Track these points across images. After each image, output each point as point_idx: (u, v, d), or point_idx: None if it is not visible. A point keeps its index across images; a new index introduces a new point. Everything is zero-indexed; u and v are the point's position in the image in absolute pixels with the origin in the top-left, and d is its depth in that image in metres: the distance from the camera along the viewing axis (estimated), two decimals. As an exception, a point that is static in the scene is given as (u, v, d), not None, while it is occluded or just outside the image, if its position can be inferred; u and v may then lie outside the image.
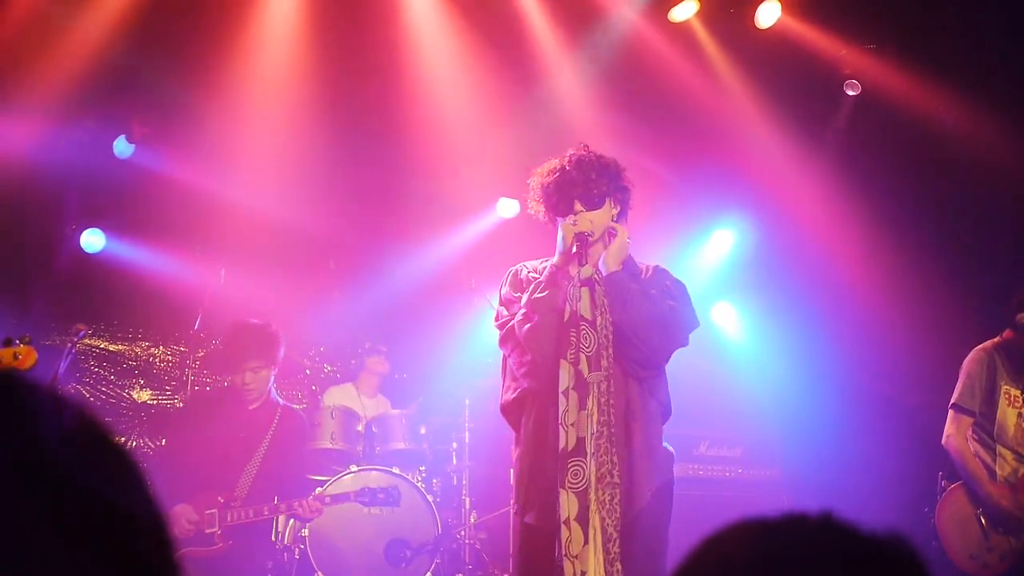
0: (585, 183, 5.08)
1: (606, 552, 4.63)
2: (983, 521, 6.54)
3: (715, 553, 1.32)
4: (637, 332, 4.93)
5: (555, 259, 5.11)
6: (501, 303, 5.25)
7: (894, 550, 1.29)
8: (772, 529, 1.29)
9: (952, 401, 6.84)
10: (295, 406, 8.59)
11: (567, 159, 5.15)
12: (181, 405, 8.46)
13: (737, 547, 1.30)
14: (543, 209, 5.21)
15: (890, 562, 1.28)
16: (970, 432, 6.77)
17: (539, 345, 4.91)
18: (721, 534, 1.33)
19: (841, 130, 9.28)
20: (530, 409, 5.00)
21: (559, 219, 5.13)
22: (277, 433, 7.43)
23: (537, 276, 5.14)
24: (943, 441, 6.81)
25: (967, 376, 6.83)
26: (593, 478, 4.69)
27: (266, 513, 7.17)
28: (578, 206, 5.07)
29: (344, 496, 7.63)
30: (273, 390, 7.62)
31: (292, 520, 8.19)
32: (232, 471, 7.25)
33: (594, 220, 5.10)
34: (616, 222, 5.23)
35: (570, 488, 4.67)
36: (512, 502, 5.13)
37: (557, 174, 5.12)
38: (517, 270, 5.29)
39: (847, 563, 1.26)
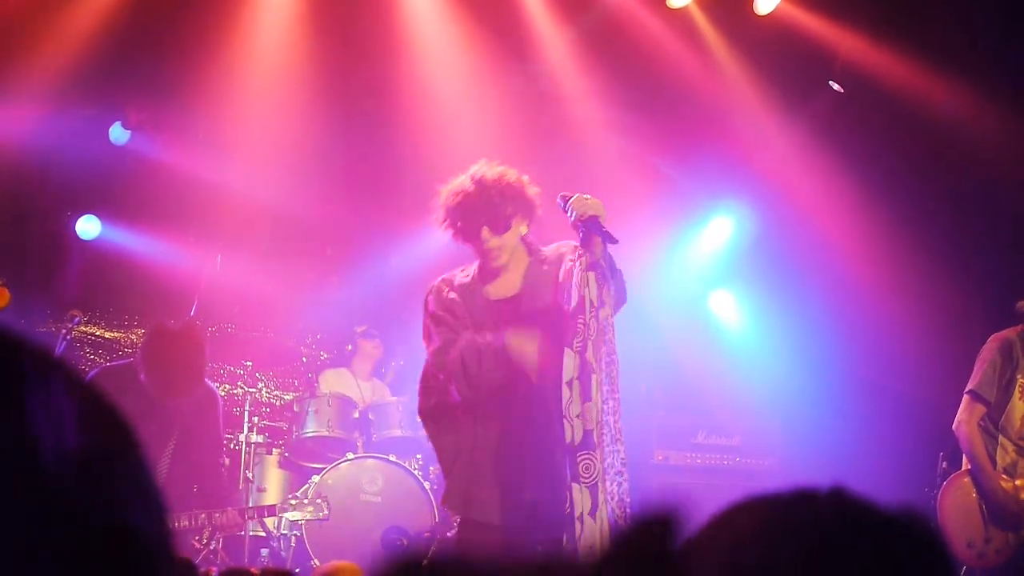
0: (489, 209, 5.05)
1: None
2: (984, 511, 6.50)
3: (727, 528, 1.30)
4: (617, 312, 4.97)
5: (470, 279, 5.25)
6: (429, 318, 5.27)
7: (908, 524, 1.27)
8: (784, 504, 1.28)
9: (970, 387, 6.69)
10: (288, 393, 8.58)
11: (469, 182, 5.09)
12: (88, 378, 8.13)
13: (749, 522, 1.28)
14: (450, 232, 5.20)
15: (904, 536, 1.26)
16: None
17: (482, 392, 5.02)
18: (732, 510, 1.31)
19: (840, 117, 9.23)
20: (465, 412, 5.10)
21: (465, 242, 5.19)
22: (188, 413, 6.99)
23: (456, 298, 5.20)
24: (954, 426, 6.69)
25: (988, 364, 6.67)
26: (601, 470, 4.65)
27: (186, 524, 6.80)
28: (485, 232, 5.06)
29: (269, 509, 7.60)
30: None
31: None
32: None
33: (504, 244, 5.09)
34: (525, 236, 5.21)
35: (583, 483, 4.61)
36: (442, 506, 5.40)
37: (460, 198, 5.08)
38: (439, 288, 5.31)
39: (860, 536, 1.24)
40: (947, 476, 6.76)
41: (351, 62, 9.14)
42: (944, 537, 1.31)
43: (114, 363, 8.22)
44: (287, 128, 9.26)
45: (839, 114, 9.19)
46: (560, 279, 4.97)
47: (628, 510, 4.70)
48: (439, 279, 5.37)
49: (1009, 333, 6.77)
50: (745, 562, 1.25)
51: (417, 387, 5.34)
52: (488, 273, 5.20)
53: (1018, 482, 6.53)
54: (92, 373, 7.36)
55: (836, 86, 9.08)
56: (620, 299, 5.01)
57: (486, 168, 5.13)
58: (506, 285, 5.19)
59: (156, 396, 6.72)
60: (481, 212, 5.04)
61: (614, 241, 4.79)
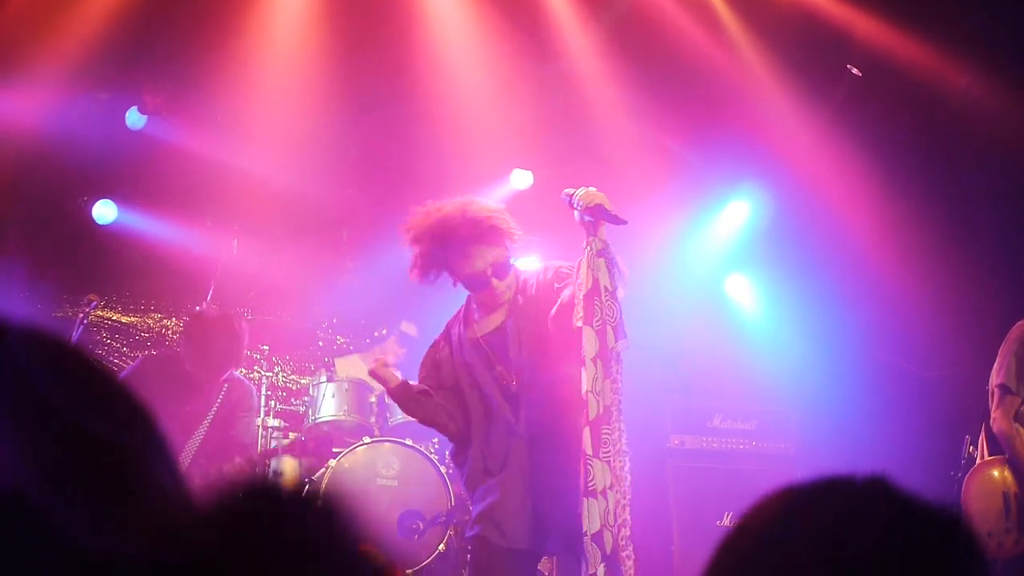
0: (475, 232, 5.19)
1: (616, 518, 4.69)
2: (1009, 500, 6.45)
3: (781, 513, 1.30)
4: None
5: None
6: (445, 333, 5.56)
7: (946, 519, 1.27)
8: (824, 492, 1.28)
9: (999, 382, 6.60)
10: (305, 377, 8.59)
11: (462, 231, 5.20)
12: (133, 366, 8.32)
13: (793, 510, 1.28)
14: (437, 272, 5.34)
15: (941, 531, 1.26)
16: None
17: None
18: (781, 496, 1.31)
19: (859, 101, 9.19)
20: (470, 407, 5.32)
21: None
22: (224, 404, 7.46)
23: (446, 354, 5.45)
24: (992, 423, 6.60)
25: (1012, 355, 6.59)
26: (615, 447, 4.77)
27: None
28: (495, 281, 5.24)
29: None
30: None
31: (306, 490, 8.19)
32: (176, 442, 7.22)
33: (508, 284, 5.28)
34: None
35: (603, 457, 4.72)
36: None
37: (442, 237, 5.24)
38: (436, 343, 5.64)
39: (898, 529, 1.24)
40: (972, 462, 6.70)
41: (369, 47, 9.12)
42: (978, 539, 1.30)
43: (160, 352, 8.76)
44: (304, 112, 9.26)
45: (857, 98, 9.14)
46: (541, 286, 5.21)
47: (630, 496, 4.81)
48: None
49: None
50: (805, 550, 1.25)
51: None
52: (484, 310, 5.40)
53: None
54: (137, 362, 7.77)
55: (855, 70, 9.04)
56: None
57: (468, 212, 5.24)
58: (493, 319, 5.38)
59: (197, 379, 7.31)
60: (469, 237, 5.17)
61: (623, 222, 4.90)
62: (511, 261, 5.31)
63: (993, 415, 6.60)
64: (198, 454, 7.24)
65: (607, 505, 4.65)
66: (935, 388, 8.53)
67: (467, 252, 5.14)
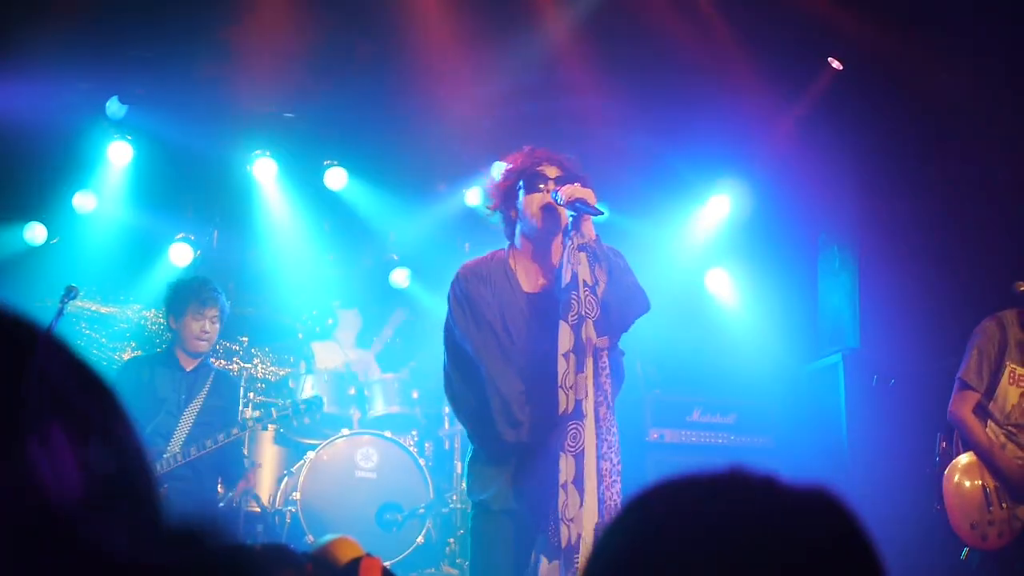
0: (559, 161, 5.21)
1: (600, 519, 4.65)
2: (988, 493, 6.50)
3: (637, 512, 1.31)
4: (622, 302, 5.00)
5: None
6: (454, 311, 5.25)
7: (811, 501, 1.27)
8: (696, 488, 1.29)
9: (959, 375, 6.74)
10: (284, 369, 8.59)
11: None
12: (118, 367, 8.38)
13: (656, 506, 1.29)
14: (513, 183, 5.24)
15: (806, 513, 1.26)
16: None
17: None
18: (647, 493, 1.32)
19: (839, 94, 9.19)
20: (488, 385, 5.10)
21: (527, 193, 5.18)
22: (211, 392, 7.57)
23: (483, 282, 5.20)
24: (949, 415, 6.73)
25: (976, 349, 6.71)
26: (592, 443, 4.73)
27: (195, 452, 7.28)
28: (552, 171, 5.17)
29: None
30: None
31: (283, 482, 8.20)
32: (164, 434, 7.27)
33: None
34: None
35: (569, 451, 4.69)
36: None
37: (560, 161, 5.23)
38: (465, 277, 5.27)
39: (759, 517, 1.25)
40: (946, 456, 6.73)
41: (353, 37, 9.07)
42: (854, 516, 1.30)
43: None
44: (285, 103, 9.25)
45: (838, 91, 9.14)
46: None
47: (619, 492, 4.77)
48: (462, 270, 5.35)
49: (1000, 316, 6.78)
50: (657, 549, 1.25)
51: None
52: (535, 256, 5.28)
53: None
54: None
55: (835, 64, 9.04)
56: (631, 290, 5.08)
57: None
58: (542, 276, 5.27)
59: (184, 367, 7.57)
60: (552, 158, 5.25)
61: (599, 213, 4.90)
62: None
63: (952, 407, 6.71)
64: (188, 439, 7.31)
65: (565, 499, 4.64)
66: (913, 380, 8.55)
67: None
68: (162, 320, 8.36)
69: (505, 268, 5.22)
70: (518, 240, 5.25)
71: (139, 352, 9.23)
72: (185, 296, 7.54)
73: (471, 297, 5.14)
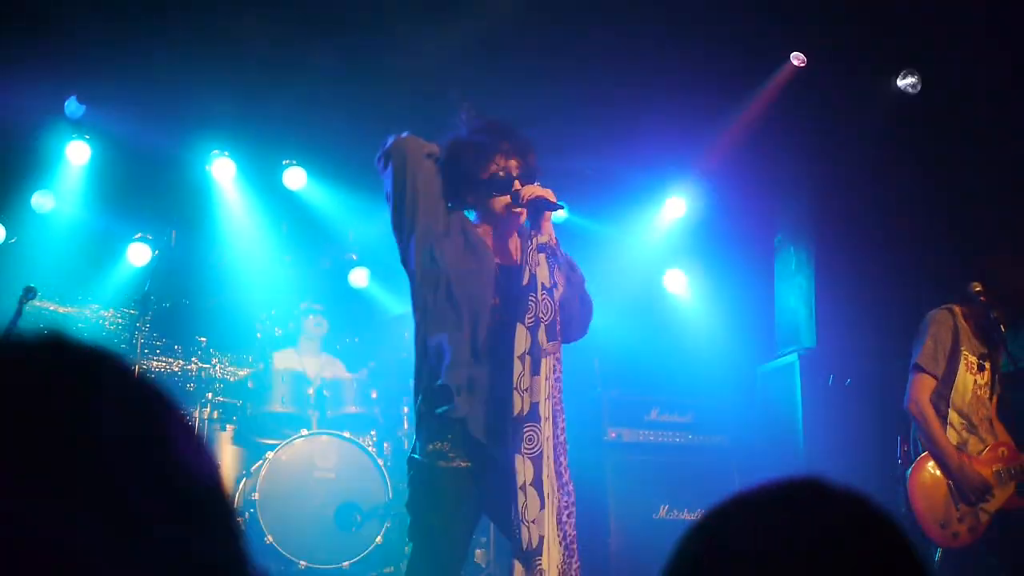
0: (521, 151, 4.99)
1: (558, 517, 4.63)
2: (952, 489, 6.44)
3: (713, 525, 1.34)
4: (581, 306, 4.97)
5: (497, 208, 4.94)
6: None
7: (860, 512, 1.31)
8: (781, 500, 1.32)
9: (914, 361, 6.65)
10: (243, 369, 8.60)
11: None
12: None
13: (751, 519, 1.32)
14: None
15: (857, 524, 1.30)
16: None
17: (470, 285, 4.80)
18: (729, 504, 1.35)
19: (802, 91, 9.19)
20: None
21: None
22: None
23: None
24: (905, 405, 6.64)
25: (930, 336, 6.65)
26: (548, 444, 4.66)
27: None
28: (513, 165, 4.94)
29: None
30: None
31: (242, 483, 8.20)
32: None
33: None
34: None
35: (525, 453, 4.62)
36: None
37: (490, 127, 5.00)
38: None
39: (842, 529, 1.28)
40: (908, 459, 6.68)
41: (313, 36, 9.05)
42: (897, 520, 1.34)
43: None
44: (248, 102, 9.22)
45: (800, 88, 9.14)
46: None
47: (571, 493, 4.73)
48: None
49: (949, 307, 6.74)
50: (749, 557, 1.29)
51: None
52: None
53: (974, 459, 6.52)
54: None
55: (797, 60, 8.98)
56: (586, 295, 5.02)
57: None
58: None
59: None
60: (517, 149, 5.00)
61: (559, 207, 4.83)
62: None
63: (909, 396, 6.62)
64: None
65: (524, 500, 4.57)
66: (875, 384, 8.61)
67: None
68: (120, 320, 8.36)
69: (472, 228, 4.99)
70: (474, 217, 5.05)
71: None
72: None
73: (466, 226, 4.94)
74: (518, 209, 4.90)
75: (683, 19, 8.49)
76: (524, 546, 4.57)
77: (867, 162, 9.20)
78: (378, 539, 8.14)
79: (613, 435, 8.94)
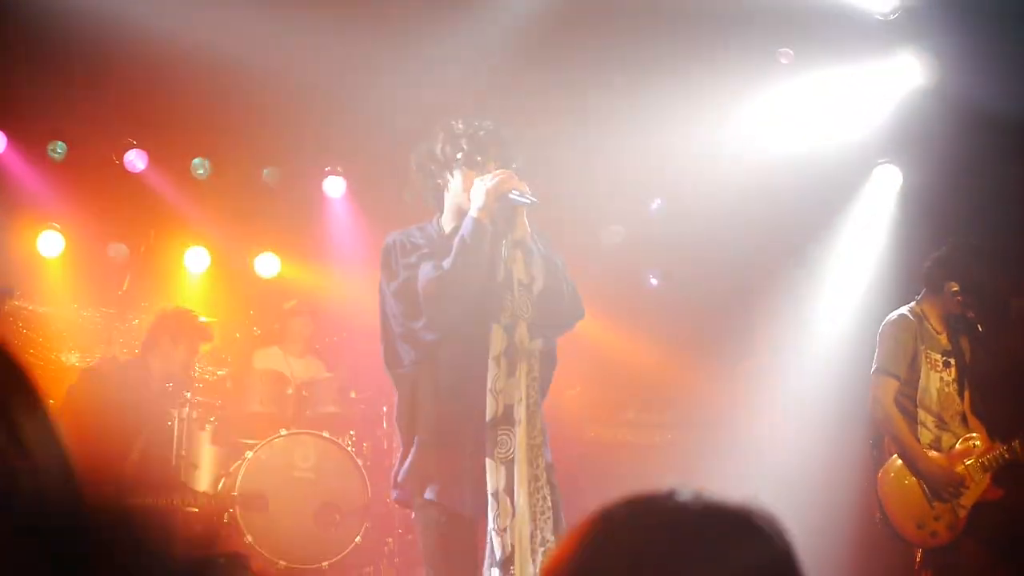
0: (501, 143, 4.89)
1: (533, 524, 4.54)
2: (925, 490, 6.40)
3: (593, 530, 1.35)
4: (563, 302, 4.80)
5: (473, 213, 4.66)
6: (387, 256, 4.84)
7: (743, 524, 1.32)
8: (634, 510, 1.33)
9: (874, 366, 6.62)
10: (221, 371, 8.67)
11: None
12: (88, 369, 8.28)
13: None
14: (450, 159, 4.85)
15: (737, 537, 1.31)
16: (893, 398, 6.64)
17: (452, 301, 4.61)
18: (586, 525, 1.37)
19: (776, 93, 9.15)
20: (429, 375, 4.75)
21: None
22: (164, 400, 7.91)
23: (420, 243, 4.81)
24: (870, 408, 6.61)
25: (889, 339, 6.62)
26: (522, 448, 4.56)
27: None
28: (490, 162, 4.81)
29: None
30: None
31: (221, 483, 8.20)
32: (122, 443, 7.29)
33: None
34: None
35: (498, 458, 4.54)
36: (402, 480, 4.93)
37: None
38: (399, 242, 4.85)
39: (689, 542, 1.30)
40: (878, 462, 6.65)
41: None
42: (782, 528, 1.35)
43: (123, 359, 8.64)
44: (216, 105, 9.21)
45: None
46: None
47: (547, 497, 4.64)
48: (391, 237, 4.92)
49: (905, 309, 6.70)
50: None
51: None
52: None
53: (945, 455, 6.49)
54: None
55: (785, 58, 8.86)
56: (569, 290, 4.85)
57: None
58: None
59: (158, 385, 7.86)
60: (493, 143, 4.88)
61: (532, 201, 4.67)
62: None
63: (872, 399, 6.59)
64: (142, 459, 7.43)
65: (497, 508, 4.50)
66: (849, 386, 8.61)
67: None
68: (99, 320, 8.35)
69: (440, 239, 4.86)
70: (448, 214, 4.92)
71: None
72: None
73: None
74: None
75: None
76: (497, 556, 4.50)
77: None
78: (357, 538, 8.15)
79: (592, 434, 8.96)
